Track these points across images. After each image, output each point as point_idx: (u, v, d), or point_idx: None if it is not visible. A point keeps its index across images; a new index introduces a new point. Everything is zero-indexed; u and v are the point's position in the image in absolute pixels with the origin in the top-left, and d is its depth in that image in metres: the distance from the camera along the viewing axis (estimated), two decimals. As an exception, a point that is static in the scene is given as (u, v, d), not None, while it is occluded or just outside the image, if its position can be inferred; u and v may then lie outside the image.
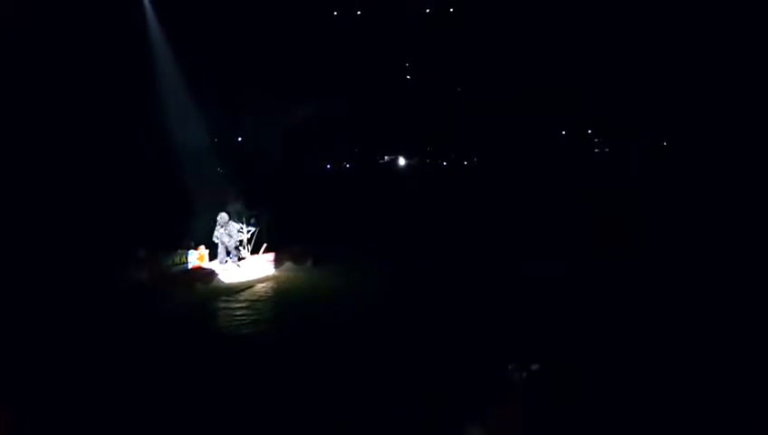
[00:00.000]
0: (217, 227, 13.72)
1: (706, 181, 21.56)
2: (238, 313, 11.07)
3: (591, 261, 13.05)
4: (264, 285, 13.29)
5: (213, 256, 13.87)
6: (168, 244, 13.52)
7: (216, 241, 13.77)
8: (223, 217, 13.72)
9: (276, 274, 14.08)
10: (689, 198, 19.35)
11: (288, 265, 14.54)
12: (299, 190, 25.53)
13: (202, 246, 13.70)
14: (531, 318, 9.39)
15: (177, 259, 13.30)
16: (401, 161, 43.07)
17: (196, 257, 13.53)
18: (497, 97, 34.52)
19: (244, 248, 14.14)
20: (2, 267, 11.53)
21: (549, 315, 9.49)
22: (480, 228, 18.11)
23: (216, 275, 13.20)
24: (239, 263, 13.72)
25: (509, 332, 8.65)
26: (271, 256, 14.34)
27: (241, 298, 12.12)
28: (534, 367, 5.61)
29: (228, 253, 13.73)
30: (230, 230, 13.70)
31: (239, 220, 14.21)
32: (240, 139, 31.99)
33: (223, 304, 11.72)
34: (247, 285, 13.08)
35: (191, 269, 13.31)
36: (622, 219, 16.96)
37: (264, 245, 14.44)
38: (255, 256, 14.23)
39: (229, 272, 13.42)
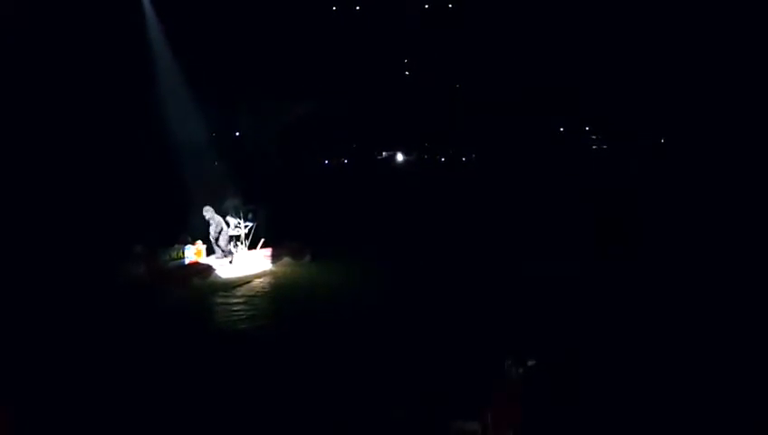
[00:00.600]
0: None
1: (706, 181, 21.53)
2: (236, 308, 11.05)
3: (591, 261, 13.00)
4: (261, 280, 13.25)
5: (211, 252, 13.84)
6: (166, 239, 13.49)
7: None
8: (207, 210, 13.60)
9: (274, 269, 14.05)
10: (689, 197, 19.30)
11: (286, 260, 14.51)
12: (297, 186, 25.49)
13: (199, 241, 13.65)
14: (529, 316, 9.36)
15: (174, 254, 13.26)
16: (399, 157, 43.06)
17: (194, 253, 13.48)
18: (496, 95, 34.53)
19: (242, 244, 14.11)
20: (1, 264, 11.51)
21: (547, 314, 9.46)
22: (478, 226, 18.08)
23: (213, 270, 13.17)
24: (230, 258, 13.63)
25: (507, 329, 8.62)
26: (268, 251, 14.30)
27: (238, 293, 12.09)
28: (531, 362, 5.59)
29: (222, 249, 13.68)
30: (217, 222, 13.63)
31: (237, 215, 14.17)
32: (238, 134, 31.94)
33: (220, 300, 11.68)
34: (245, 281, 13.06)
35: (188, 264, 13.28)
36: (622, 219, 16.90)
37: (262, 240, 14.40)
38: (253, 250, 14.19)
39: (226, 267, 13.39)
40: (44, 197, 17.26)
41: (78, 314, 9.87)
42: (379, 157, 42.61)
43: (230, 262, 13.60)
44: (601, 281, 11.33)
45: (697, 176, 22.77)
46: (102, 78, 20.54)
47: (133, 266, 12.53)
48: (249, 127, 30.39)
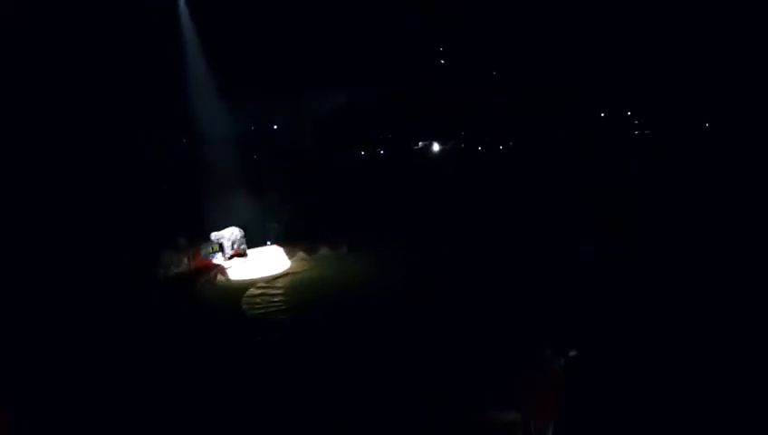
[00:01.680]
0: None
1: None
2: (276, 299, 11.30)
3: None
4: (298, 273, 13.46)
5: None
6: (204, 233, 13.91)
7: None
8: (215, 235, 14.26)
9: (311, 260, 14.23)
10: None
11: (323, 251, 14.67)
12: (333, 178, 25.61)
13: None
14: (549, 308, 9.03)
15: (213, 247, 13.67)
16: (435, 147, 42.72)
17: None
18: (532, 81, 33.79)
19: (276, 238, 14.46)
20: (47, 254, 12.08)
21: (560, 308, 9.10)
22: (507, 218, 17.49)
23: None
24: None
25: (529, 320, 8.36)
26: (303, 244, 14.58)
27: (278, 284, 12.33)
28: (573, 353, 5.48)
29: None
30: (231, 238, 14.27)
31: (271, 210, 14.59)
32: (276, 127, 32.33)
33: (259, 291, 11.92)
34: (283, 274, 13.29)
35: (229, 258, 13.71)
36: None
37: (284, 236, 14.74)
38: (287, 246, 14.51)
39: (263, 262, 13.73)
40: (90, 190, 17.94)
41: (120, 305, 10.29)
42: (415, 147, 42.38)
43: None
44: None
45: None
46: (138, 72, 20.95)
47: (177, 257, 12.99)
48: (286, 120, 30.67)
